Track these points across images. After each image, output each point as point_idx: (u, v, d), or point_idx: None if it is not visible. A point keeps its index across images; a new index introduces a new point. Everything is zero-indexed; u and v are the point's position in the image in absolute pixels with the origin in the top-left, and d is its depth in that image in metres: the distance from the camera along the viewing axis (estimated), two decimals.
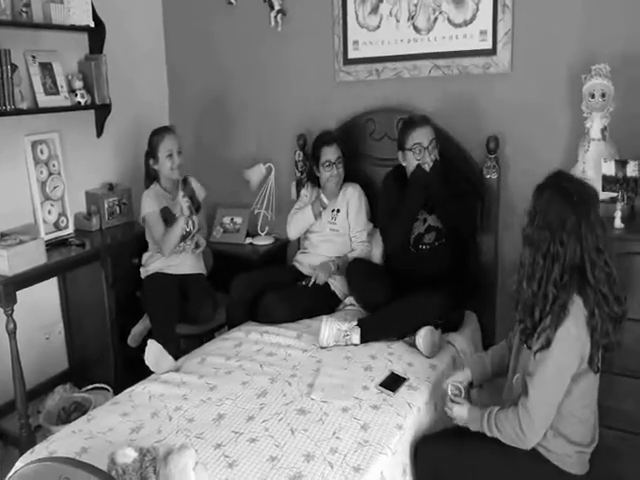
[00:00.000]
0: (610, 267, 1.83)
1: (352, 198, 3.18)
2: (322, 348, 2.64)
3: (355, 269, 2.97)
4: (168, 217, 3.19)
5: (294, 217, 3.27)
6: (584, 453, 1.94)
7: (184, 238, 3.19)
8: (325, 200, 3.15)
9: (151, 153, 3.21)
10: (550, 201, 1.82)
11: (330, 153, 3.12)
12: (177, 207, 3.15)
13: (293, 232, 3.30)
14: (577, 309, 1.79)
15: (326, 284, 3.08)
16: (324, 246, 3.20)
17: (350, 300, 3.06)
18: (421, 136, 2.79)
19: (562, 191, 1.83)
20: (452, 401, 2.08)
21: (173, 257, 3.20)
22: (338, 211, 3.20)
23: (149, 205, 3.17)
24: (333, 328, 2.67)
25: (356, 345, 2.66)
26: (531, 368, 1.87)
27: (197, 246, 3.25)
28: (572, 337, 1.79)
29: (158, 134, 3.20)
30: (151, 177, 3.28)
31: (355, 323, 2.69)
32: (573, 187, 1.84)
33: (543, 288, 1.82)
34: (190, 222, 3.21)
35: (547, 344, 1.80)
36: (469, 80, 3.05)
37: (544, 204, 1.83)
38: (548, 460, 1.91)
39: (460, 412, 2.04)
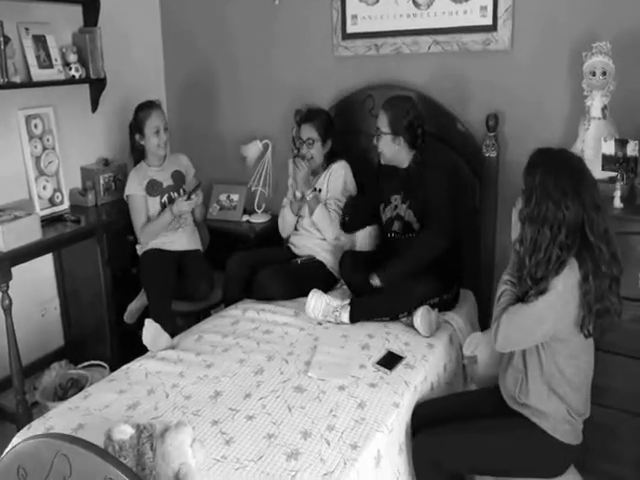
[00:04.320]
0: (607, 224, 1.88)
1: (333, 173, 3.12)
2: (317, 326, 2.65)
3: (345, 257, 2.96)
4: (155, 187, 3.17)
5: (280, 216, 3.27)
6: (576, 421, 1.99)
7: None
8: (297, 194, 3.10)
9: (137, 129, 3.16)
10: (544, 177, 1.87)
11: (304, 131, 3.10)
12: (163, 175, 3.19)
13: (283, 231, 3.29)
14: (570, 270, 1.84)
15: (322, 263, 3.08)
16: (314, 228, 3.15)
17: None
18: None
19: (553, 164, 1.90)
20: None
21: (170, 234, 3.18)
22: (319, 191, 3.14)
23: (134, 187, 3.16)
24: (322, 301, 2.69)
25: (346, 324, 2.67)
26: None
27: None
28: (557, 293, 1.84)
29: (144, 110, 3.15)
30: (137, 151, 3.25)
31: (347, 302, 2.70)
32: (561, 156, 1.94)
33: (548, 253, 1.86)
34: (181, 191, 3.24)
35: (542, 292, 1.87)
36: (469, 57, 3.01)
37: (539, 181, 1.88)
38: (544, 431, 1.96)
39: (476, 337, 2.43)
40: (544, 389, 1.97)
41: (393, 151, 2.80)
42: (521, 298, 1.97)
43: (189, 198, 3.08)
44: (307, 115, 3.16)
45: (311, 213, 3.06)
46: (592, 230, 1.85)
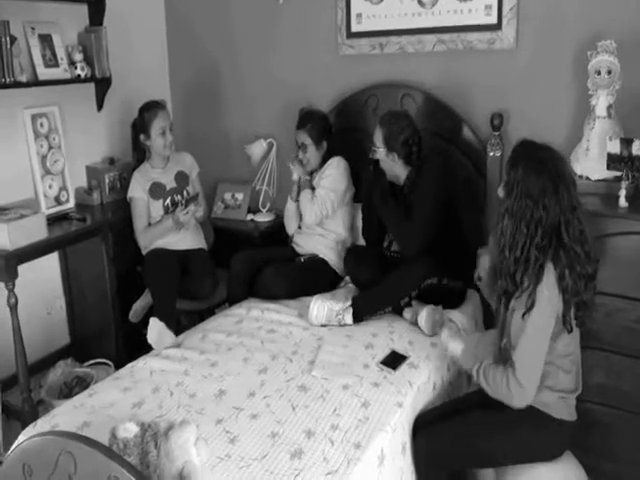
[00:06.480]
0: (582, 224, 1.91)
1: (327, 167, 3.10)
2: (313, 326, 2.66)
3: (350, 253, 2.97)
4: (158, 190, 3.18)
5: (284, 213, 3.29)
6: (568, 398, 2.01)
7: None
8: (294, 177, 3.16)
9: (142, 129, 3.14)
10: (527, 172, 1.89)
11: (298, 136, 3.10)
12: (167, 177, 3.19)
13: (288, 227, 3.31)
14: (548, 271, 1.87)
15: (325, 262, 3.08)
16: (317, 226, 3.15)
17: None
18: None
19: (536, 160, 1.91)
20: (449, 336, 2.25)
21: (174, 233, 3.18)
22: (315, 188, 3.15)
23: (137, 190, 3.15)
24: (324, 307, 2.66)
25: (350, 325, 2.66)
26: (513, 331, 1.95)
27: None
28: (545, 298, 1.87)
29: (149, 110, 3.13)
30: (140, 151, 3.25)
31: (349, 303, 2.68)
32: (544, 154, 1.93)
33: (526, 253, 1.89)
34: (185, 193, 3.23)
35: (532, 306, 1.88)
36: (473, 55, 3.01)
37: (521, 176, 1.90)
38: (538, 409, 1.97)
39: (455, 350, 2.21)
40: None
41: (388, 166, 2.80)
42: (502, 300, 2.00)
43: (186, 206, 3.07)
44: (299, 121, 3.14)
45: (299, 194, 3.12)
46: (567, 232, 1.88)
